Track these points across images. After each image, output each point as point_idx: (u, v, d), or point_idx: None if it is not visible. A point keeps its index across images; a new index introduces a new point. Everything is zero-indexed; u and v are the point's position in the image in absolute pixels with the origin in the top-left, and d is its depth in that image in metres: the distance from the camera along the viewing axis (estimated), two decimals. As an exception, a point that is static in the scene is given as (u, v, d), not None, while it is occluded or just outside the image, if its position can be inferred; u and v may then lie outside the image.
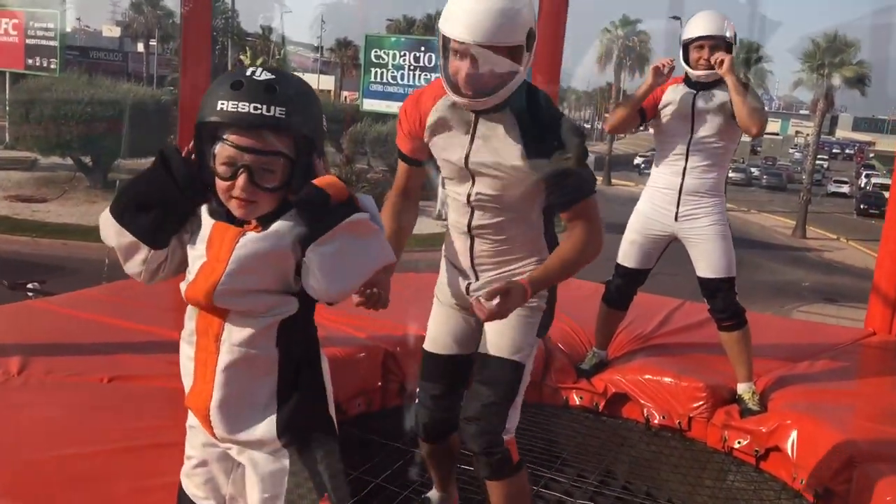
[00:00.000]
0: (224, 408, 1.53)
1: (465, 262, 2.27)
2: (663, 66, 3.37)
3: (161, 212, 1.50)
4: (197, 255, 1.52)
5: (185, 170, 1.48)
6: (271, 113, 1.40)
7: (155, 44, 47.79)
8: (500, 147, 2.04)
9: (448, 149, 2.13)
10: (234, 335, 1.51)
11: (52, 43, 26.17)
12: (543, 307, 2.28)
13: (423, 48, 22.68)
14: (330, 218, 1.42)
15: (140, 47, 48.43)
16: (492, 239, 2.20)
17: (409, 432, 2.63)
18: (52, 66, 25.92)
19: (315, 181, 1.45)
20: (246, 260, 1.46)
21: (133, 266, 1.55)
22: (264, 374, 1.53)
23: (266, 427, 1.53)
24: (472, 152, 2.08)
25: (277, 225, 1.47)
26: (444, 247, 2.39)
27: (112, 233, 1.52)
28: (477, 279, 2.27)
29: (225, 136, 1.44)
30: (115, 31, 51.43)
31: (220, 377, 1.52)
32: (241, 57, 28.57)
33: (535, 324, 2.27)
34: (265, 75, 1.44)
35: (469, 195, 2.14)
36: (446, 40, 1.93)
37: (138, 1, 48.51)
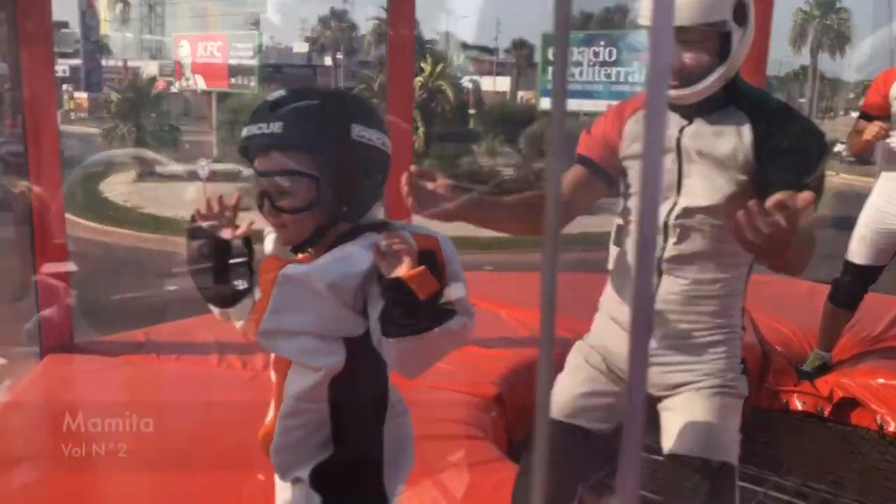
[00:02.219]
0: (280, 455, 1.46)
1: None
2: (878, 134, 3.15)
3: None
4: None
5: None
6: (270, 130, 1.33)
7: (341, 56, 50.19)
8: (717, 143, 1.75)
9: None
10: (291, 386, 1.41)
11: (251, 62, 28.33)
12: (746, 393, 1.87)
13: (602, 43, 22.26)
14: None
15: (328, 60, 51.03)
16: (686, 278, 1.80)
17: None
18: (252, 84, 28.04)
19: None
20: (282, 296, 1.37)
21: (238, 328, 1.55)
22: (315, 429, 1.42)
23: (307, 469, 1.44)
24: (684, 144, 1.78)
25: (323, 258, 1.35)
26: (602, 298, 2.01)
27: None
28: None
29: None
30: (304, 47, 54.54)
31: (280, 424, 1.44)
32: (423, 65, 29.40)
33: (739, 409, 1.86)
34: (280, 93, 1.37)
35: (670, 212, 1.80)
36: None
37: (325, 16, 51.22)
